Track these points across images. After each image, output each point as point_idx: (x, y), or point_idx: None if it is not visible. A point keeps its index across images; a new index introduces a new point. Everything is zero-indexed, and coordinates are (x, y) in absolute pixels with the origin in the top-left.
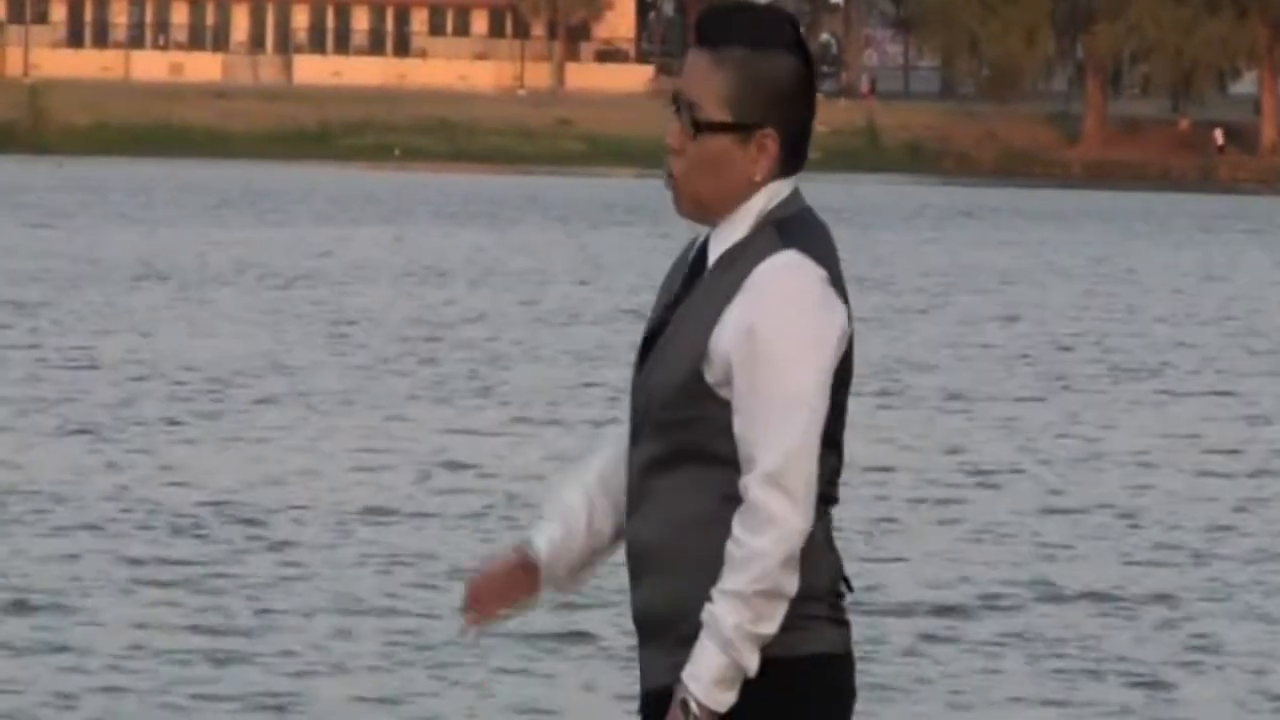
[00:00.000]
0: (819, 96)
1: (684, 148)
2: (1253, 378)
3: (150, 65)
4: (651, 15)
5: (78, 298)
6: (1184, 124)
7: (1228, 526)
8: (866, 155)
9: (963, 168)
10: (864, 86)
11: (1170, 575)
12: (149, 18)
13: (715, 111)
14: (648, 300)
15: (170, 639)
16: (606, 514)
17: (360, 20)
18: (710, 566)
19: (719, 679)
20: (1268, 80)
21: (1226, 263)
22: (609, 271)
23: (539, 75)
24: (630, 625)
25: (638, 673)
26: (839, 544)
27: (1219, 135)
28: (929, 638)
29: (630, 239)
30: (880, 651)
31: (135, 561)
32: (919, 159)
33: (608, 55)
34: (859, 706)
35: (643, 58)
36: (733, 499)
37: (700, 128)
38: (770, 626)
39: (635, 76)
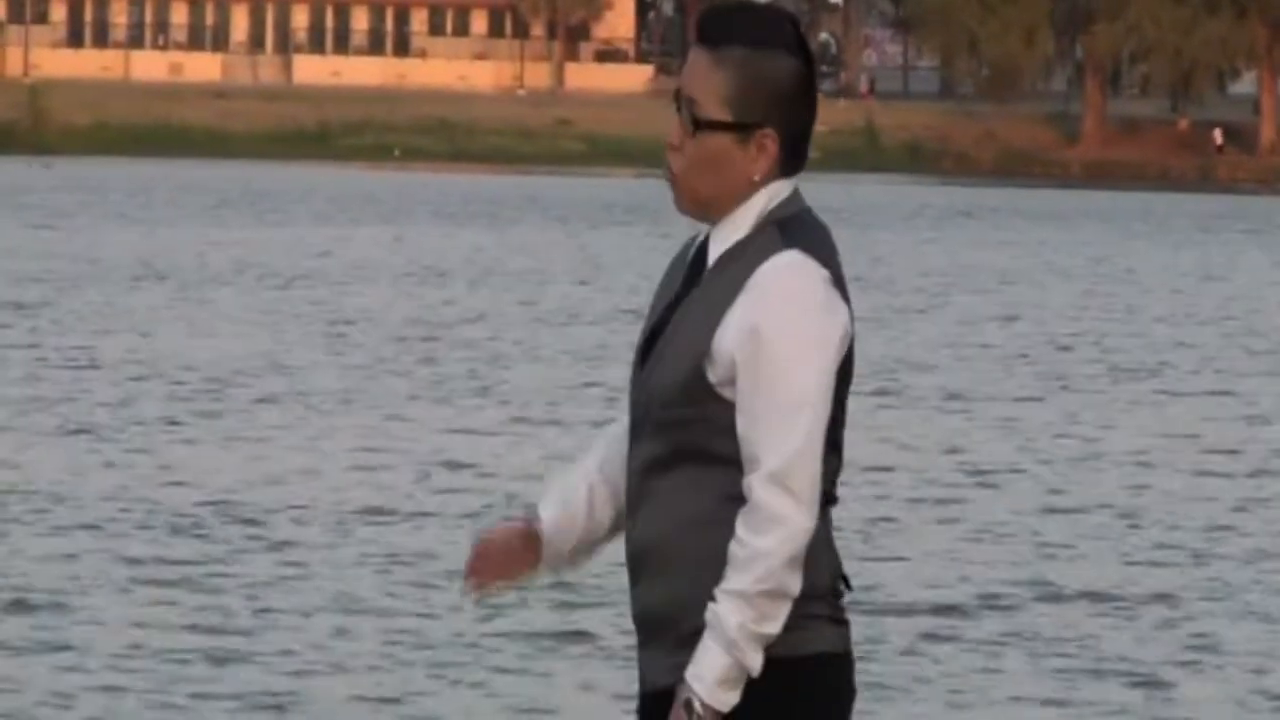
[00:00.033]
0: (818, 96)
1: (684, 145)
2: (1252, 377)
3: (150, 65)
4: (651, 15)
5: (77, 298)
6: (1183, 124)
7: (1227, 526)
8: (866, 155)
9: (962, 168)
10: (863, 86)
11: (1169, 575)
12: (149, 18)
13: (715, 110)
14: (647, 300)
15: (169, 638)
16: (606, 501)
17: (360, 20)
18: (711, 566)
19: (723, 679)
20: (1267, 80)
21: (1225, 263)
22: (608, 271)
23: (538, 75)
24: (629, 625)
25: (636, 672)
26: (838, 543)
27: (1218, 135)
28: (928, 637)
29: (630, 239)
30: (879, 651)
31: (134, 561)
32: (918, 159)
33: (607, 55)
34: (858, 705)
35: (642, 58)
36: (733, 499)
37: (700, 125)
38: (774, 626)
39: (635, 76)
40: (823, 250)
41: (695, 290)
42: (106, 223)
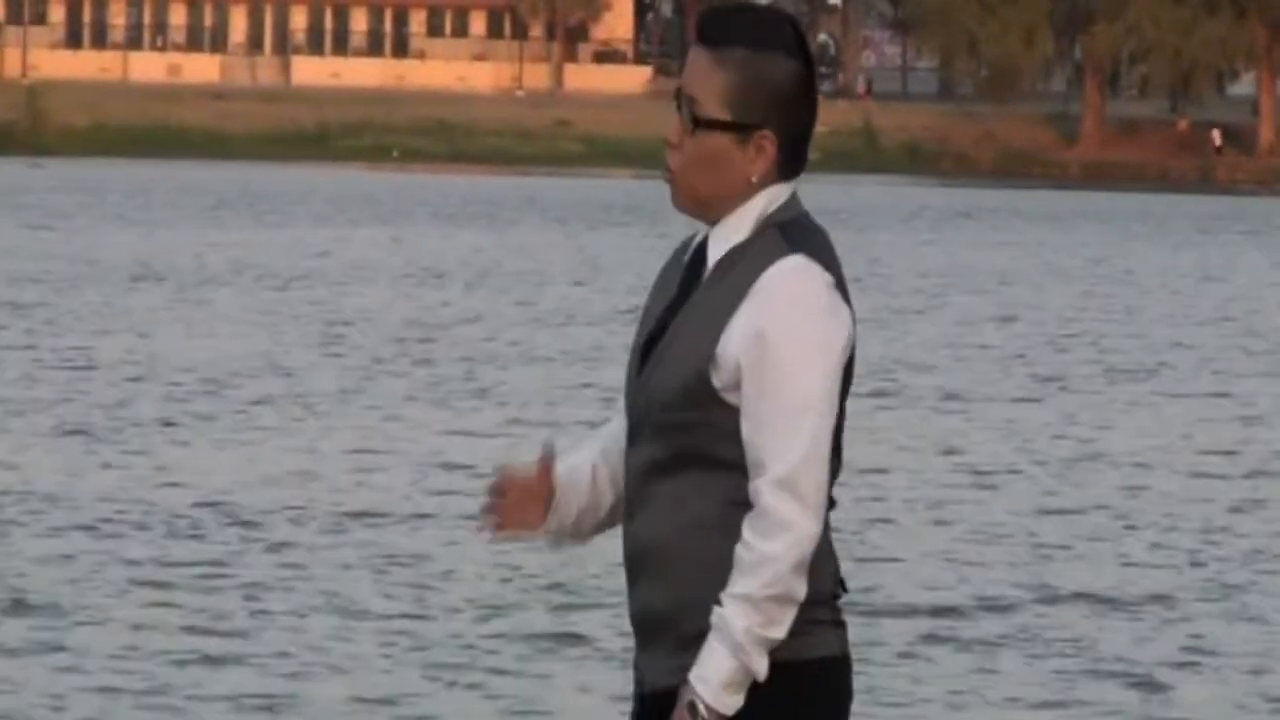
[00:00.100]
0: (818, 98)
1: (683, 143)
2: (1250, 379)
3: (148, 66)
4: (650, 16)
5: (75, 298)
6: (1182, 125)
7: (1224, 527)
8: (864, 156)
9: (961, 168)
10: (860, 87)
11: (1167, 576)
12: (147, 19)
13: (715, 109)
14: (644, 301)
15: (166, 639)
16: (608, 481)
17: (358, 21)
18: (712, 570)
19: (727, 682)
20: (1266, 81)
21: (1224, 264)
22: (606, 272)
23: (537, 76)
24: (625, 626)
25: (631, 674)
26: (835, 544)
27: (1217, 136)
28: (925, 638)
29: (628, 240)
30: (877, 652)
31: (131, 562)
32: (917, 160)
33: (606, 56)
34: (856, 707)
35: (641, 59)
36: (735, 503)
37: (699, 124)
38: (780, 631)
39: (633, 77)
40: (825, 254)
41: (695, 294)
42: (105, 224)
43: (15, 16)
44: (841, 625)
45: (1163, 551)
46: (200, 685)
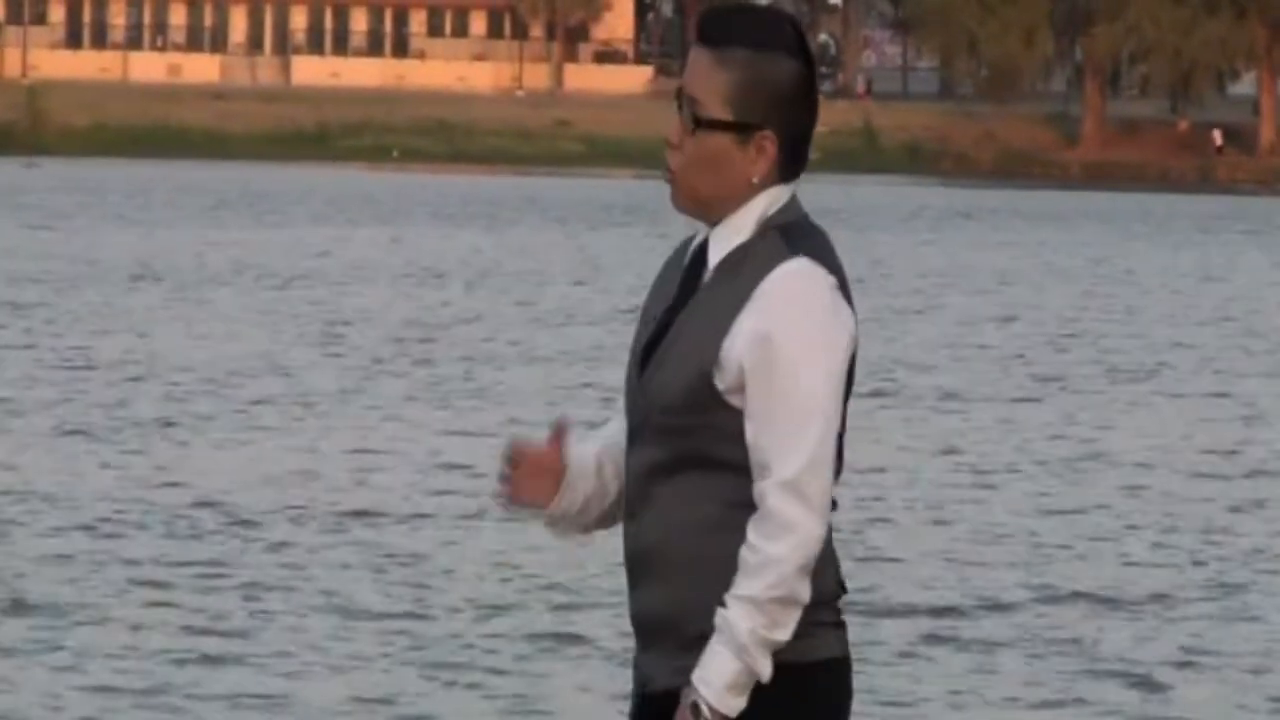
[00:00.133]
0: (818, 98)
1: (683, 143)
2: (1250, 378)
3: (148, 66)
4: (650, 16)
5: (75, 298)
6: (1183, 125)
7: (1224, 527)
8: (865, 156)
9: (961, 168)
10: (859, 87)
11: (1167, 576)
12: (147, 19)
13: (716, 109)
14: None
15: (166, 639)
16: (612, 474)
17: (358, 21)
18: (715, 572)
19: (731, 684)
20: (1266, 81)
21: (1225, 263)
22: (607, 272)
23: (537, 76)
24: (624, 626)
25: (630, 674)
26: (835, 544)
27: (1217, 136)
28: (926, 638)
29: (628, 240)
30: (877, 652)
31: (131, 562)
32: (917, 160)
33: (606, 56)
34: (856, 707)
35: (641, 59)
36: (738, 505)
37: (700, 124)
38: (784, 633)
39: (634, 77)
40: (828, 257)
41: (697, 295)
42: (105, 224)
43: (15, 16)
44: (842, 626)
45: (1163, 551)
46: (200, 685)
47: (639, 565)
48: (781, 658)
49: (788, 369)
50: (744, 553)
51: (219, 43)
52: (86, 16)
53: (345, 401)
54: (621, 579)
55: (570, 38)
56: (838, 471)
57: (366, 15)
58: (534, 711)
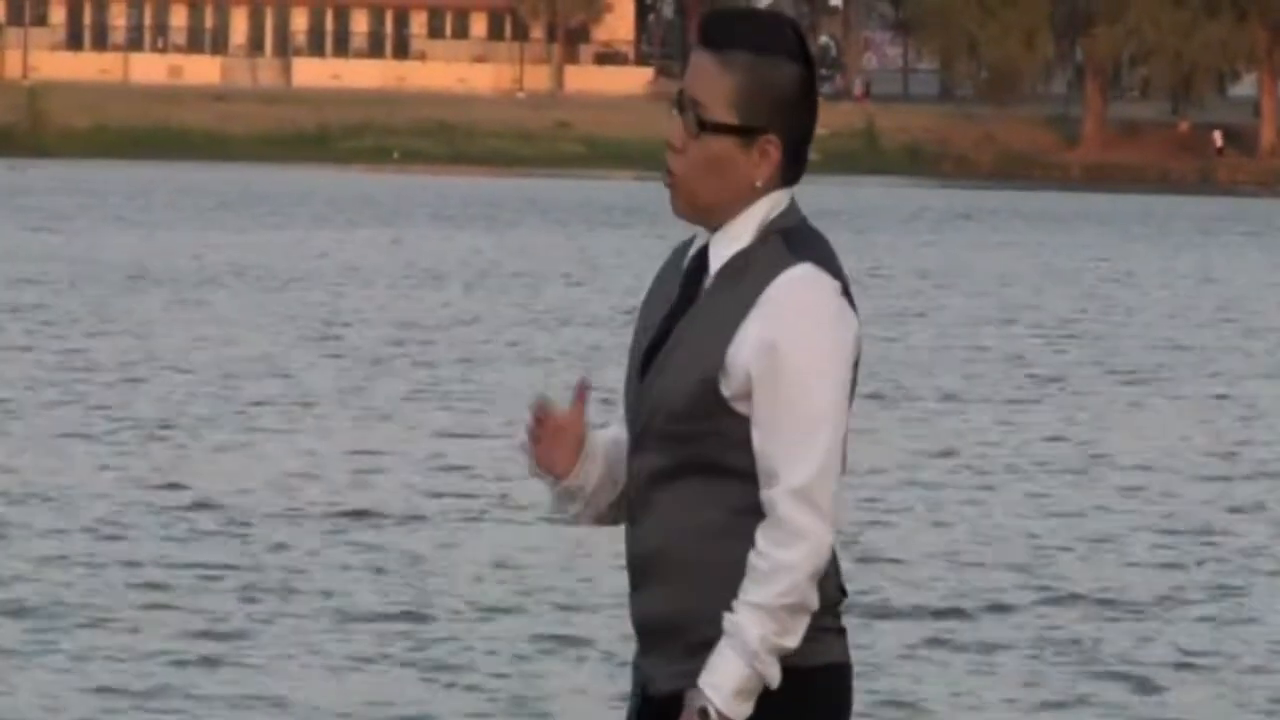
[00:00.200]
0: (818, 100)
1: (685, 147)
2: (1250, 380)
3: (149, 68)
4: (651, 18)
5: (75, 300)
6: (1183, 126)
7: (1224, 529)
8: (865, 157)
9: (961, 170)
10: (858, 89)
11: (1167, 577)
12: (148, 20)
13: (721, 113)
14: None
15: (164, 641)
16: (619, 470)
17: (359, 23)
18: (720, 577)
19: (740, 689)
20: (1267, 83)
21: (1225, 265)
22: (606, 273)
23: (538, 78)
24: (624, 628)
25: (631, 674)
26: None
27: (1218, 137)
28: (926, 639)
29: (629, 241)
30: (878, 653)
31: (130, 563)
32: (918, 161)
33: (607, 58)
34: (857, 708)
35: (642, 60)
36: (742, 511)
37: (705, 127)
38: (793, 640)
39: (634, 79)
40: (831, 261)
41: (699, 301)
42: (105, 225)
43: (16, 18)
44: (843, 631)
45: (1162, 553)
46: (199, 686)
47: (641, 570)
48: (784, 661)
49: (796, 377)
50: (754, 559)
51: (220, 44)
52: (87, 18)
53: (344, 403)
54: (619, 580)
55: (571, 39)
56: (840, 473)
57: (367, 17)
58: (533, 713)
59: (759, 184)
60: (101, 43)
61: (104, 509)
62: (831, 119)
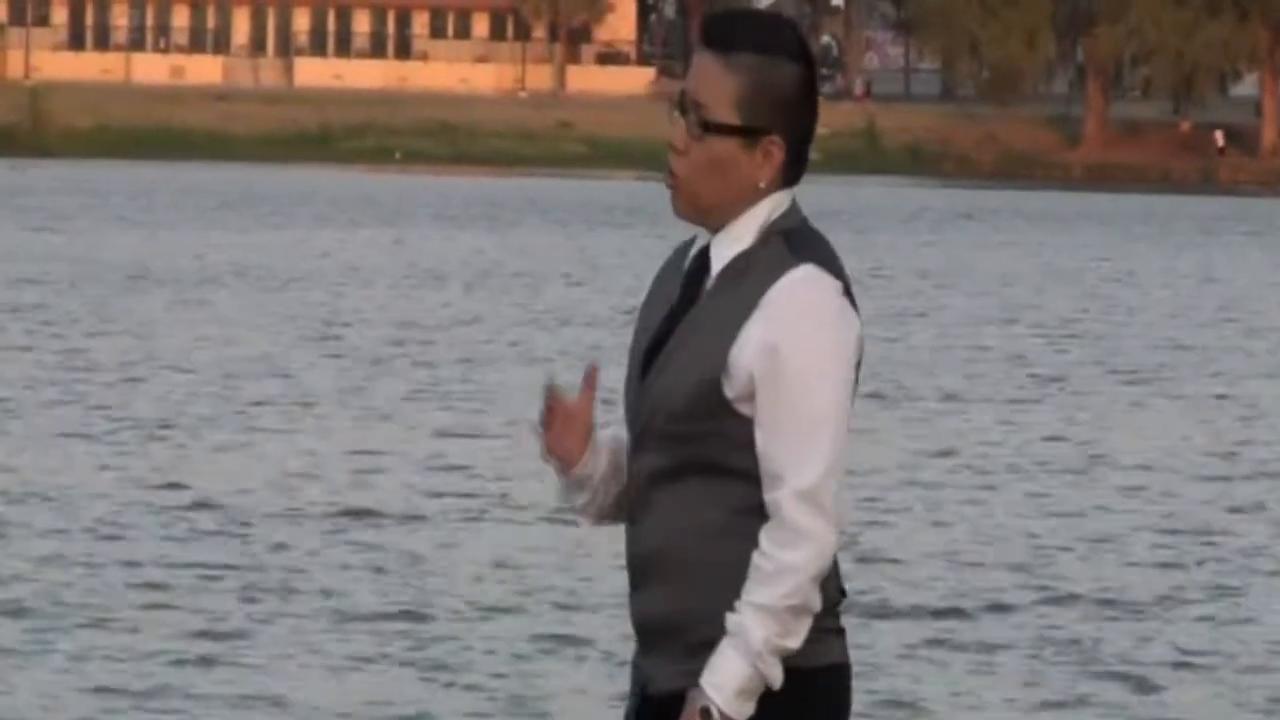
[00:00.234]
0: (819, 99)
1: (688, 149)
2: (1251, 379)
3: (151, 68)
4: (653, 18)
5: (76, 300)
6: (1185, 126)
7: (1224, 529)
8: (866, 157)
9: (963, 170)
10: (858, 89)
11: (1167, 577)
12: (150, 20)
13: (725, 114)
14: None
15: (164, 640)
16: (620, 460)
17: (361, 23)
18: (722, 577)
19: (742, 689)
20: (1268, 82)
21: (1226, 265)
22: (607, 274)
23: (540, 78)
24: (624, 628)
25: (630, 672)
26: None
27: (1220, 137)
28: (926, 639)
29: (630, 241)
30: (878, 653)
31: (129, 563)
32: (919, 161)
33: (609, 58)
34: (856, 708)
35: (644, 60)
36: (744, 512)
37: (709, 129)
38: (796, 641)
39: (636, 79)
40: (832, 262)
41: (701, 302)
42: (107, 225)
43: (18, 18)
44: (842, 632)
45: (1162, 553)
46: (198, 686)
47: (641, 570)
48: (785, 662)
49: (799, 379)
50: (758, 560)
51: (222, 44)
52: (89, 18)
53: (345, 403)
54: (619, 580)
55: (573, 39)
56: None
57: (369, 17)
58: (533, 713)
59: (762, 185)
60: (103, 43)
61: (104, 509)
62: (832, 119)
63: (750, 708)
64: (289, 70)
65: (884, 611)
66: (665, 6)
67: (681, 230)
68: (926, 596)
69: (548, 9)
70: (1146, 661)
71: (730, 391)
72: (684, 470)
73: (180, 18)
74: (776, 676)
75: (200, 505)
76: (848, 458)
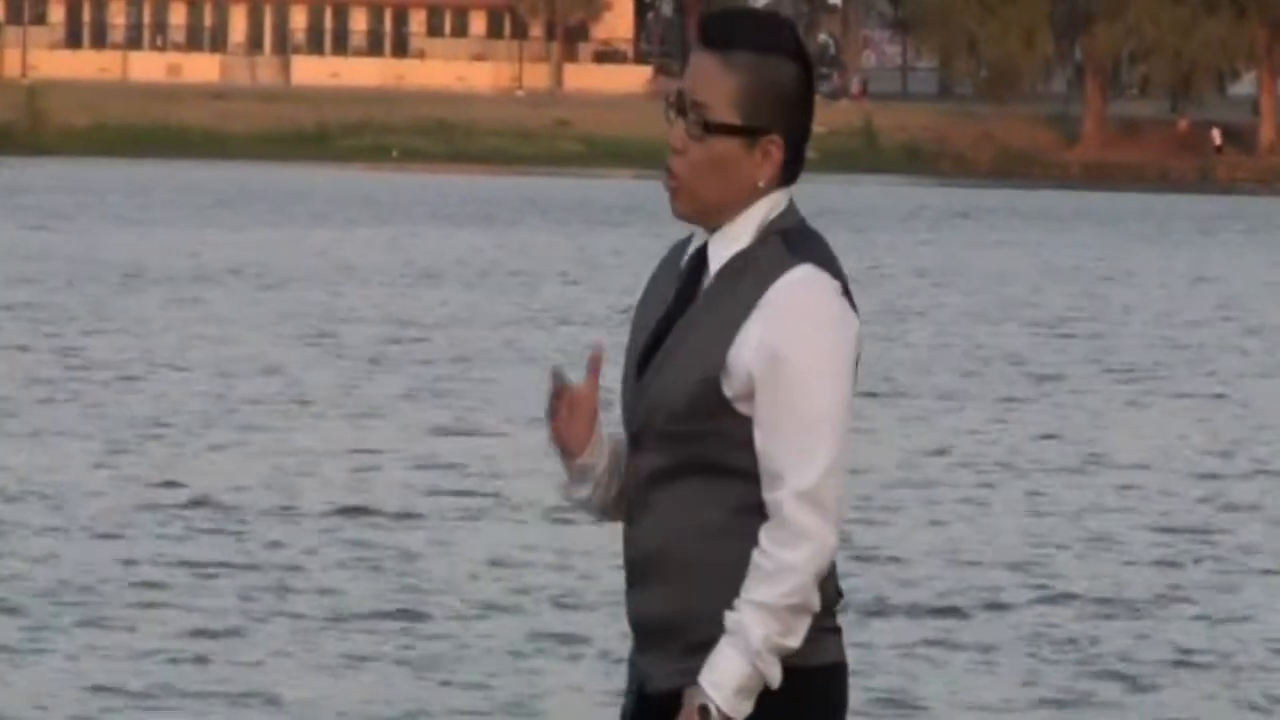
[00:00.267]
0: (817, 98)
1: (687, 148)
2: (1248, 378)
3: (148, 66)
4: (650, 16)
5: (72, 298)
6: (1182, 125)
7: (1222, 528)
8: (864, 156)
9: (960, 169)
10: (855, 88)
11: (1164, 576)
12: (147, 19)
13: (725, 113)
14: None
15: (160, 639)
16: (620, 454)
17: (358, 21)
18: (721, 577)
19: (741, 688)
20: (1266, 81)
21: (1224, 263)
22: (605, 272)
23: (537, 76)
24: (622, 627)
25: (627, 670)
26: None
27: (1217, 136)
28: (925, 638)
29: (627, 240)
30: (877, 652)
31: (126, 562)
32: (916, 160)
33: (606, 56)
34: (855, 707)
35: (641, 58)
36: (742, 510)
37: (709, 129)
38: (796, 640)
39: (633, 77)
40: (830, 262)
41: (698, 302)
42: (104, 223)
43: (15, 16)
44: (839, 631)
45: (1160, 550)
46: (195, 683)
47: (639, 569)
48: (787, 662)
49: (799, 379)
50: (758, 559)
51: (219, 42)
52: (86, 16)
53: (341, 401)
54: (615, 578)
55: (570, 37)
56: None
57: (366, 15)
58: (529, 711)
59: (761, 184)
60: (100, 41)
61: (100, 507)
62: (830, 117)
63: (749, 706)
64: (286, 68)
65: (881, 610)
66: (662, 5)
67: (678, 229)
68: (924, 595)
69: (545, 7)
70: (1144, 660)
71: (729, 391)
72: (683, 470)
73: (177, 16)
74: (775, 675)
75: (196, 503)
76: (848, 457)
